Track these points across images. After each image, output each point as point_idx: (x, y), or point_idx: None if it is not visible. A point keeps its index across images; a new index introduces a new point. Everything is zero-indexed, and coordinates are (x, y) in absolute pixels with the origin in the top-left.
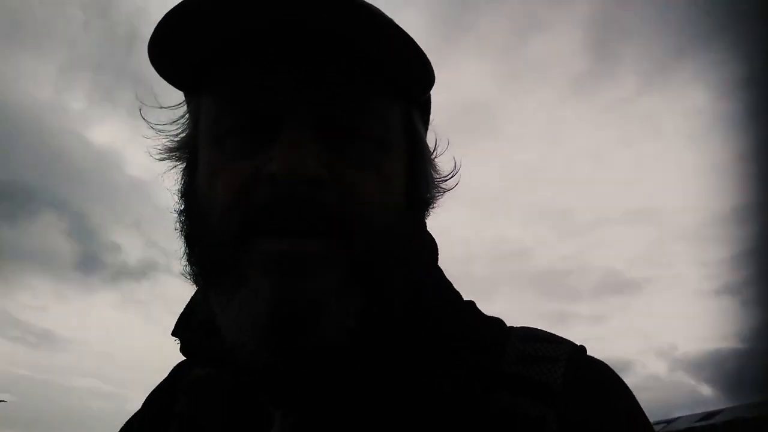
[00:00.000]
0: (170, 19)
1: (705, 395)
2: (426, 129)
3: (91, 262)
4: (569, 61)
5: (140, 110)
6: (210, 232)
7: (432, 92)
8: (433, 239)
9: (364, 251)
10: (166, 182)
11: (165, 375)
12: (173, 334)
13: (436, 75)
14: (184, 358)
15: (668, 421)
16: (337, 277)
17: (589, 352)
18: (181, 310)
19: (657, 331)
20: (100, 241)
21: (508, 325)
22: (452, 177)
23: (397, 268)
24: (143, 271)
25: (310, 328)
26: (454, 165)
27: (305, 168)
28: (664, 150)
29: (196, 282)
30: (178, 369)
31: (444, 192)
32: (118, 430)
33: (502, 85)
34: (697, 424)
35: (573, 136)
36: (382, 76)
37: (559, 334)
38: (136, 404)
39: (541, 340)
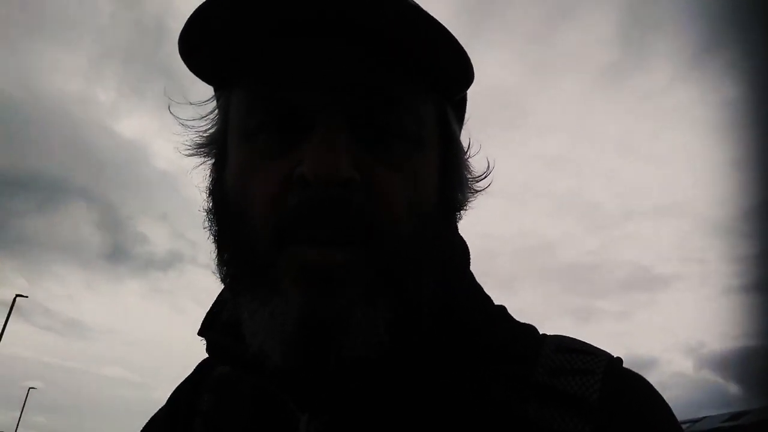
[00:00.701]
0: (201, 14)
1: (732, 393)
2: (461, 127)
3: (119, 252)
4: (599, 51)
5: (169, 107)
6: (245, 236)
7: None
8: (464, 242)
9: (392, 258)
10: (194, 177)
11: (190, 368)
12: (200, 333)
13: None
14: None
15: (694, 421)
16: (365, 287)
17: (614, 349)
18: (208, 307)
19: (683, 328)
20: (128, 232)
21: (541, 332)
22: (485, 177)
23: (426, 275)
24: (170, 262)
25: (337, 341)
26: (487, 165)
27: (336, 170)
28: (694, 143)
29: (227, 285)
30: (203, 365)
31: (477, 193)
32: (143, 425)
33: (530, 75)
34: (724, 424)
35: (602, 127)
36: (418, 73)
37: (580, 332)
38: (161, 393)
39: (576, 351)
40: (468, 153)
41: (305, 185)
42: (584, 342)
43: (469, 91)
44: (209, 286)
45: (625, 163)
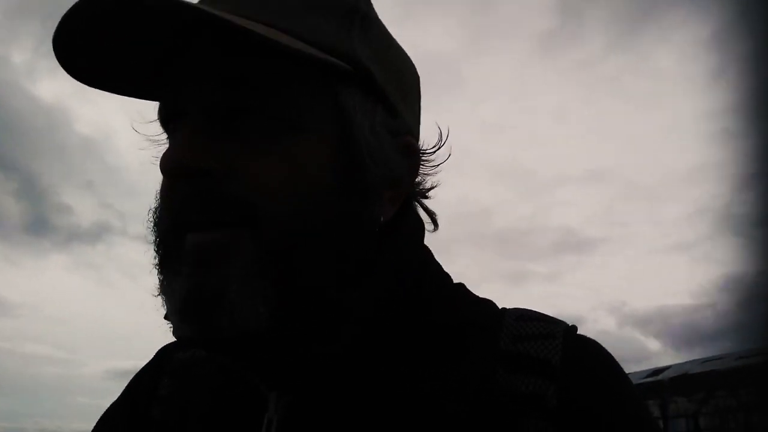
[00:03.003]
0: (69, 21)
1: (652, 349)
2: (376, 106)
3: (42, 224)
4: (536, 19)
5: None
6: (156, 225)
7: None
8: (418, 219)
9: (269, 237)
10: (120, 143)
11: (118, 342)
12: (166, 318)
13: (393, 33)
14: (142, 321)
15: None
16: (241, 265)
17: (545, 308)
18: (138, 280)
19: (608, 289)
20: (50, 203)
21: (500, 306)
22: (438, 148)
23: (319, 256)
24: (97, 234)
25: (215, 315)
26: (440, 135)
27: (185, 160)
28: (626, 110)
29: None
30: (162, 352)
31: (432, 165)
32: (99, 417)
33: (467, 43)
34: (645, 380)
35: (537, 95)
36: (289, 61)
37: (513, 295)
38: (90, 369)
39: (535, 320)
40: (398, 129)
41: (171, 178)
42: (541, 312)
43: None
44: (140, 259)
45: (559, 131)
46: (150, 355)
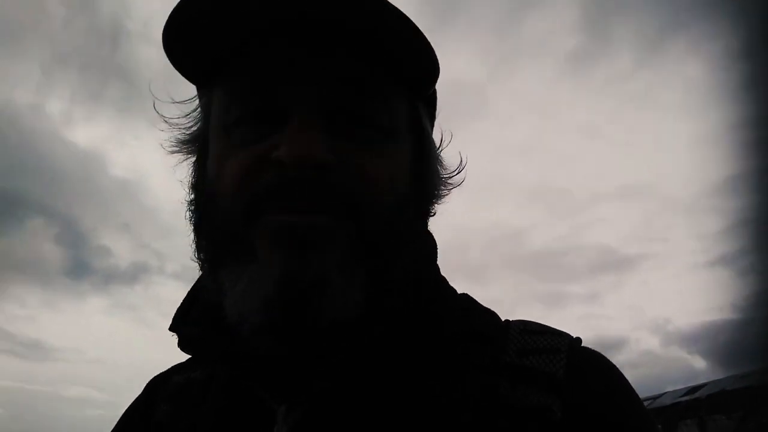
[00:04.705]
0: (181, 13)
1: (698, 368)
2: (432, 124)
3: (81, 267)
4: (564, 38)
5: (154, 104)
6: (218, 213)
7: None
8: (432, 238)
9: (369, 229)
10: (156, 183)
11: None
12: (171, 328)
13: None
14: (179, 359)
15: (654, 398)
16: (342, 252)
17: (584, 331)
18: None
19: (650, 307)
20: (89, 246)
21: (503, 318)
22: (458, 173)
23: (400, 254)
24: (134, 275)
25: (315, 303)
26: (460, 160)
27: (313, 153)
28: (658, 124)
29: (204, 267)
30: (154, 381)
31: (450, 188)
32: None
33: (495, 65)
34: (682, 398)
35: (567, 114)
36: (389, 67)
37: (551, 317)
38: None
39: (539, 333)
40: (440, 148)
41: (281, 167)
42: (545, 325)
43: (437, 86)
44: (177, 298)
45: (590, 148)
46: None
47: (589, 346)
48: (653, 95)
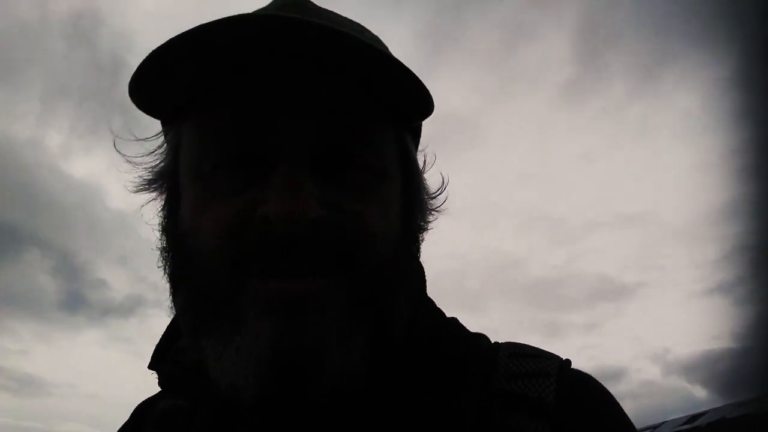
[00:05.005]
0: (159, 52)
1: (698, 397)
2: (416, 150)
3: (76, 300)
4: (557, 69)
5: (114, 143)
6: (198, 273)
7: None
8: (420, 265)
9: (364, 280)
10: (147, 215)
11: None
12: (150, 367)
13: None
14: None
15: (654, 427)
16: (339, 314)
17: (583, 361)
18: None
19: (650, 336)
20: (85, 279)
21: (492, 340)
22: (440, 194)
23: (400, 299)
24: (130, 308)
25: (312, 373)
26: (441, 182)
27: (305, 210)
28: (653, 153)
29: (185, 329)
30: (141, 406)
31: (436, 213)
32: None
33: (490, 96)
34: (682, 427)
35: (563, 144)
36: (377, 104)
37: (549, 347)
38: None
39: (528, 356)
40: (424, 174)
41: (269, 224)
42: (534, 347)
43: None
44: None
45: (586, 177)
46: None
47: (601, 380)
48: (649, 123)
